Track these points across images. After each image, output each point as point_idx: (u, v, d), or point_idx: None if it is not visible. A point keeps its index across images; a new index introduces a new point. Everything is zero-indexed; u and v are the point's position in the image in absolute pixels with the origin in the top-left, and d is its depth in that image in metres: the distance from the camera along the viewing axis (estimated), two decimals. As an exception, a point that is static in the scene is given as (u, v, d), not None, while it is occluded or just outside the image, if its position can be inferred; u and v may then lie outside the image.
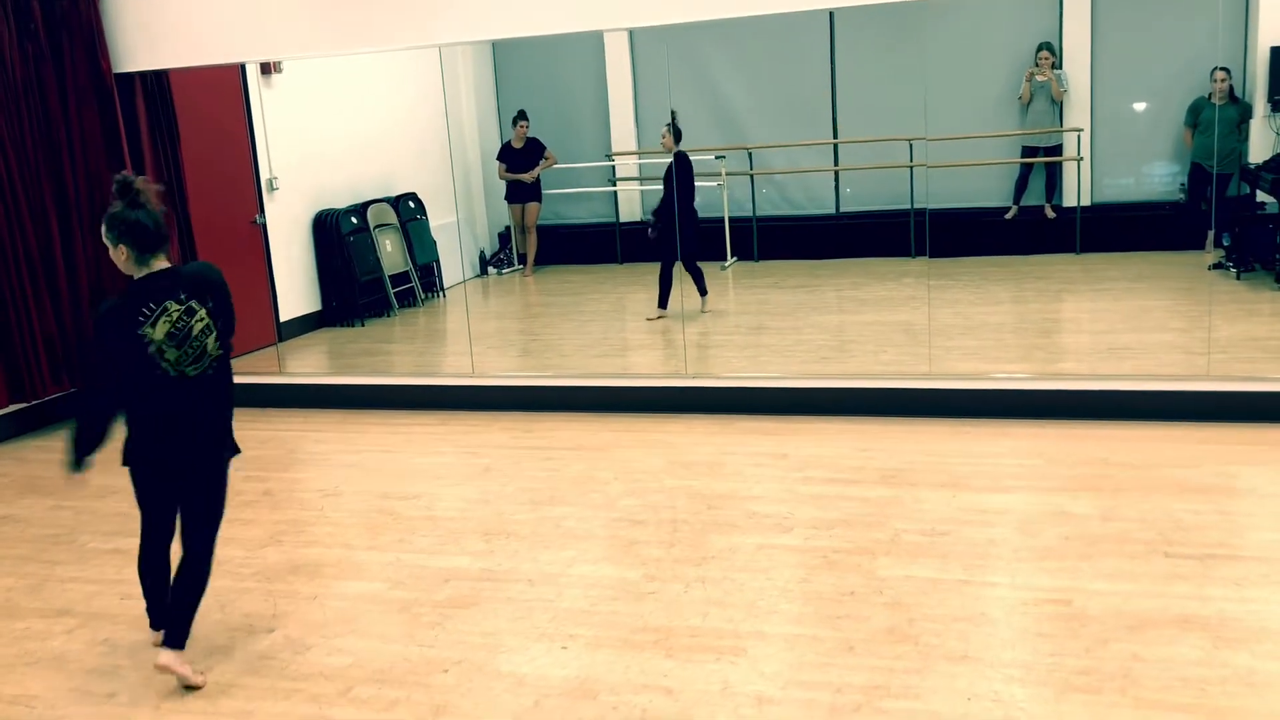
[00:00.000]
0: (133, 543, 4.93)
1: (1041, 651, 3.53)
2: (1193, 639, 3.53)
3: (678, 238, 7.87)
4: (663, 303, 8.27)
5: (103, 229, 3.58)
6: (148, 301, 3.52)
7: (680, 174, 8.07)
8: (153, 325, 3.50)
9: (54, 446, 6.66)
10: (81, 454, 3.70)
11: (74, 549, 4.98)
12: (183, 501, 3.74)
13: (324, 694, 3.57)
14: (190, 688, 3.64)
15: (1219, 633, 3.56)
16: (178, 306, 3.53)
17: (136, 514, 5.29)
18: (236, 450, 3.82)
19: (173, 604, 3.71)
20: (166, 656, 3.62)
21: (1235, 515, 4.58)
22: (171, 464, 3.65)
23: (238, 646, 3.94)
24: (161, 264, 3.57)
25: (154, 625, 3.99)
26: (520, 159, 10.28)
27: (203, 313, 3.57)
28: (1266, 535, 4.35)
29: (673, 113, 8.32)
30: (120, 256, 3.56)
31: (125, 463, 3.69)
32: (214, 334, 3.60)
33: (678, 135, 8.20)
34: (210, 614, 4.20)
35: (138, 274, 3.57)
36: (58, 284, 6.90)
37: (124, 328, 3.51)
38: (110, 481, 5.84)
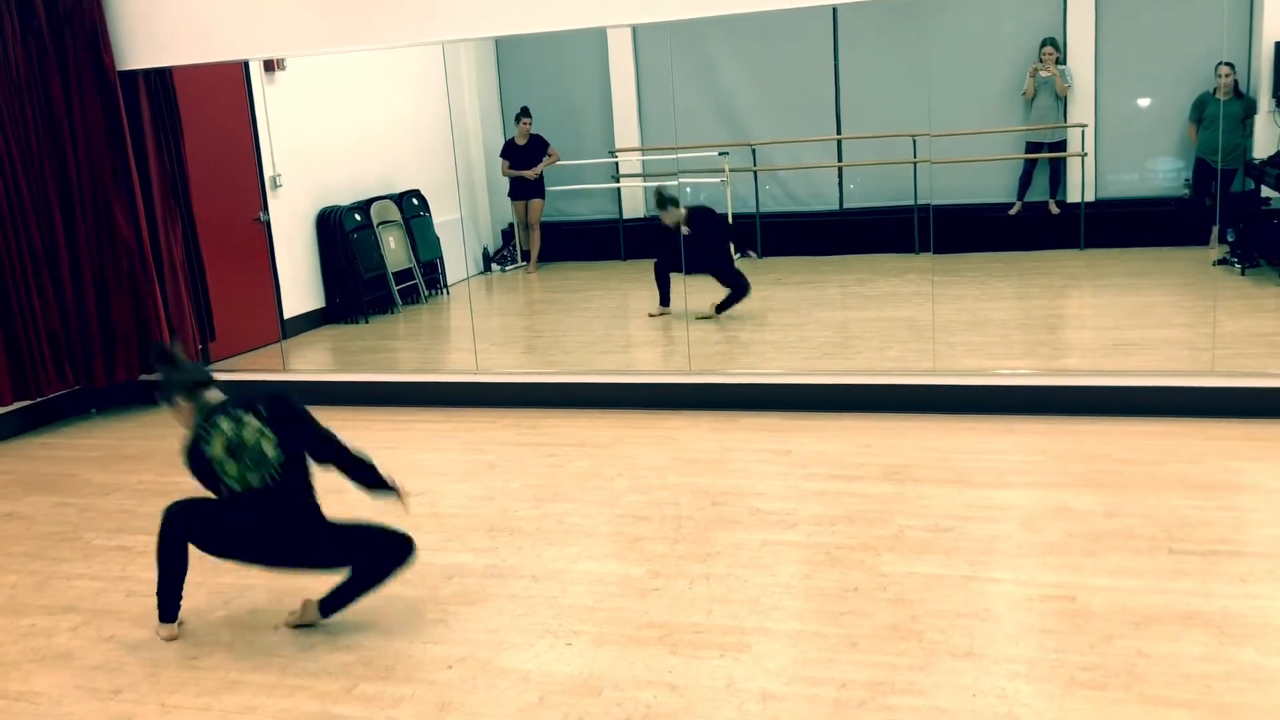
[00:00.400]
0: (137, 539, 4.97)
1: (1046, 647, 3.53)
2: (1197, 635, 3.53)
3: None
4: (665, 300, 8.28)
5: (162, 402, 3.90)
6: (201, 436, 3.75)
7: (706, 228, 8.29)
8: (211, 443, 3.73)
9: (59, 444, 6.68)
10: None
11: (79, 546, 4.99)
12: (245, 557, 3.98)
13: (329, 691, 3.58)
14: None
15: (1223, 629, 3.56)
16: (226, 419, 3.74)
17: (142, 511, 5.34)
18: (389, 489, 4.04)
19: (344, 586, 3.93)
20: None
21: (1239, 511, 4.57)
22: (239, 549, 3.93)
23: (242, 643, 3.94)
24: (215, 396, 3.84)
25: (163, 617, 4.03)
26: (524, 156, 10.28)
27: (250, 416, 3.74)
28: (1271, 531, 4.34)
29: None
30: (182, 414, 3.83)
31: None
32: (272, 440, 3.73)
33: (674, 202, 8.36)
34: (214, 610, 4.21)
35: (199, 418, 3.80)
36: (62, 281, 6.91)
37: (194, 456, 3.77)
38: (113, 479, 5.87)
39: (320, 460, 3.90)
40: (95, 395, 7.25)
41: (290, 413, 3.82)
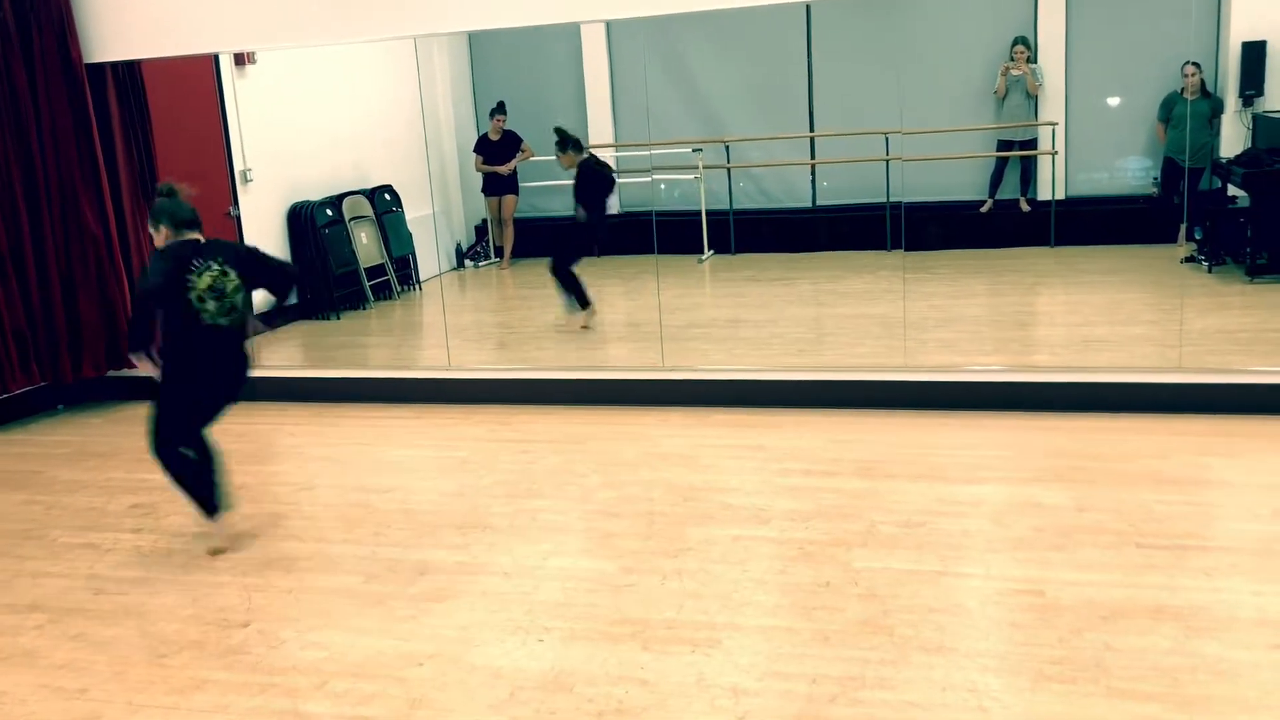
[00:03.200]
0: (105, 536, 4.93)
1: (1015, 641, 3.55)
2: (1164, 629, 3.56)
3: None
4: (583, 301, 8.17)
5: (150, 221, 4.63)
6: (195, 257, 4.44)
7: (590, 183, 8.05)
8: (199, 275, 4.40)
9: (25, 440, 6.60)
10: (135, 347, 4.55)
11: (45, 544, 4.93)
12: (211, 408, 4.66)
13: (299, 688, 3.55)
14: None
15: (1190, 622, 3.59)
16: (218, 267, 4.45)
17: (110, 509, 5.29)
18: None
19: (212, 481, 4.63)
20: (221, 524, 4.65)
21: (1206, 506, 4.62)
22: (205, 390, 4.59)
23: (211, 641, 3.91)
24: (197, 236, 4.55)
25: (217, 510, 4.65)
26: (497, 151, 10.24)
27: (234, 274, 4.49)
28: (1237, 525, 4.39)
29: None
30: (160, 236, 4.53)
31: (162, 377, 4.53)
32: (241, 294, 4.51)
33: (576, 146, 8.07)
34: (184, 608, 4.18)
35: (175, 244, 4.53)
36: (27, 276, 6.82)
37: (178, 266, 4.40)
38: (80, 476, 5.81)
39: (275, 291, 4.90)
40: (62, 391, 7.17)
41: (254, 265, 4.64)
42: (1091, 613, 3.69)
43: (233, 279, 4.48)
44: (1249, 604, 3.71)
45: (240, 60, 8.32)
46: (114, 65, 6.90)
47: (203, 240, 4.56)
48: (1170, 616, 3.64)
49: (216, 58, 7.94)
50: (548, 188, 10.72)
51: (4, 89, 6.68)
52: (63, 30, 6.69)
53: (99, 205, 6.88)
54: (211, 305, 4.43)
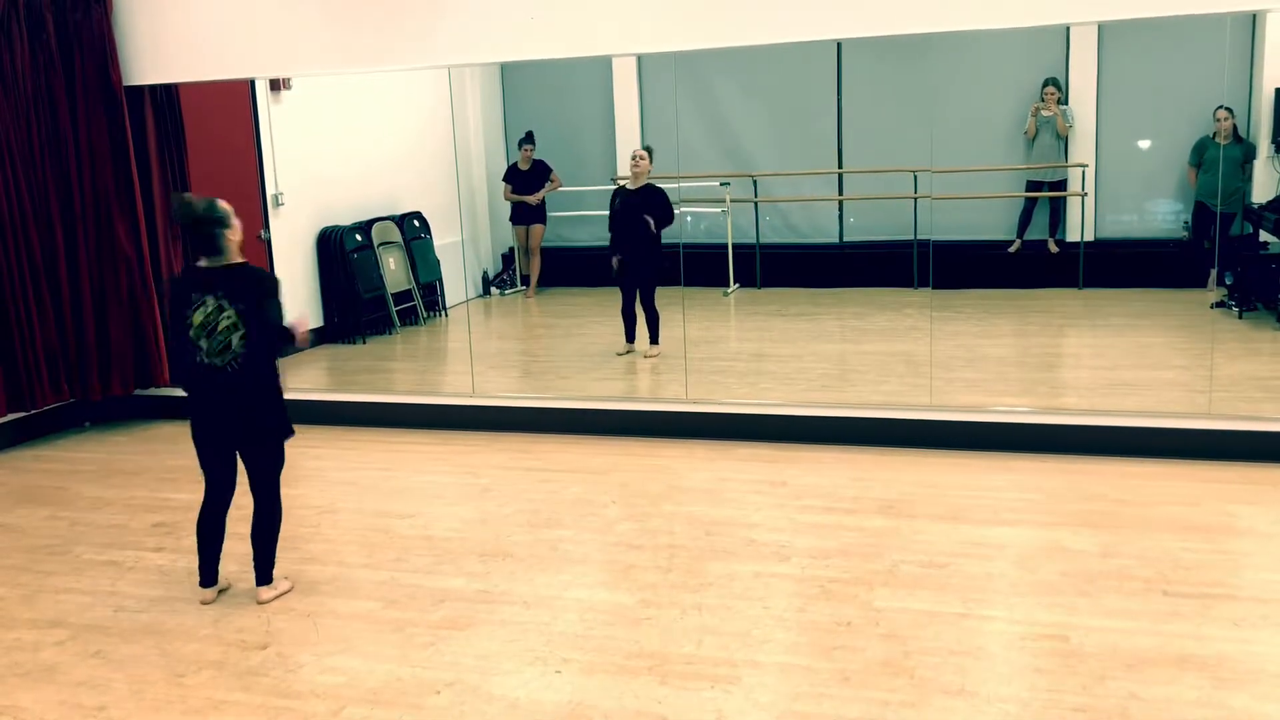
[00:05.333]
0: (127, 554, 4.95)
1: (1038, 687, 3.50)
2: (1191, 679, 3.51)
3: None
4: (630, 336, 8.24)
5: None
6: (192, 290, 4.17)
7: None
8: (192, 311, 4.15)
9: (52, 456, 6.65)
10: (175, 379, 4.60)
11: (68, 560, 4.96)
12: (245, 460, 4.35)
13: (315, 713, 3.54)
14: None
15: (1217, 673, 3.54)
16: (214, 301, 4.13)
17: (133, 526, 5.32)
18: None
19: (255, 548, 4.41)
20: (265, 594, 4.39)
21: (1235, 555, 4.56)
22: (207, 436, 4.31)
23: (230, 662, 3.91)
24: (203, 263, 4.20)
25: (202, 583, 4.46)
26: (526, 181, 10.30)
27: (231, 311, 4.13)
28: (1265, 575, 4.33)
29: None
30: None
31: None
32: (240, 332, 4.14)
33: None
34: (203, 628, 4.18)
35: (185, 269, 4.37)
36: (61, 294, 6.90)
37: (177, 303, 4.21)
38: (105, 494, 5.84)
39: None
40: (90, 409, 7.23)
41: (267, 308, 4.21)
42: (1117, 660, 3.64)
43: (228, 315, 4.13)
44: (1279, 656, 3.64)
45: (275, 86, 8.42)
46: (152, 88, 7.00)
47: (216, 265, 4.19)
48: (1197, 666, 3.58)
49: (252, 83, 8.04)
50: (575, 218, 10.76)
51: (44, 109, 6.78)
52: (103, 53, 6.80)
53: (133, 226, 6.96)
54: (204, 344, 4.15)
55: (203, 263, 4.20)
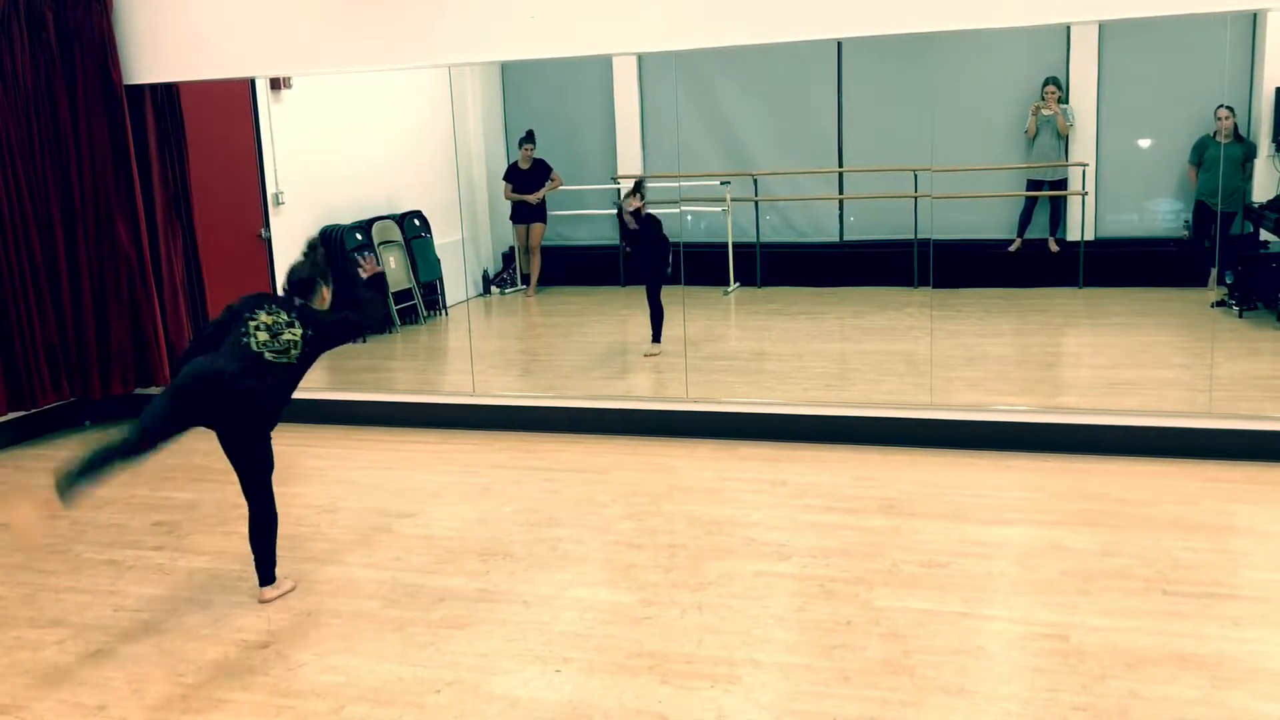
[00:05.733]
0: (127, 553, 4.95)
1: (1039, 686, 3.50)
2: (1191, 678, 3.51)
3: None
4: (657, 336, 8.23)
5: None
6: (268, 303, 4.41)
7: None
8: (262, 314, 4.34)
9: (52, 455, 6.64)
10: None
11: (68, 559, 4.96)
12: (234, 462, 4.35)
13: (315, 712, 3.55)
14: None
15: (1217, 672, 3.54)
16: (286, 316, 4.36)
17: (133, 526, 5.32)
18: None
19: (254, 550, 4.42)
20: (268, 593, 4.41)
21: (1234, 554, 4.56)
22: (203, 406, 4.23)
23: (230, 661, 3.92)
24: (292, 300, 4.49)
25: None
26: (526, 180, 10.30)
27: (298, 330, 4.36)
28: (1265, 575, 4.33)
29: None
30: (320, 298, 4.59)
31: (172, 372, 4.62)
32: (298, 350, 4.33)
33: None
34: (203, 628, 4.18)
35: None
36: (61, 293, 6.90)
37: (241, 307, 4.38)
38: (105, 493, 5.83)
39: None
40: (90, 408, 7.23)
41: (323, 337, 4.45)
42: (1116, 660, 3.64)
43: (294, 331, 4.34)
44: (1279, 655, 3.65)
45: (276, 85, 8.42)
46: (152, 87, 7.00)
47: (295, 300, 4.48)
48: (1197, 666, 3.58)
49: (253, 82, 8.03)
50: (576, 217, 10.76)
51: (45, 108, 6.78)
52: (104, 52, 6.79)
53: (133, 225, 6.96)
54: (261, 335, 4.28)
55: (296, 300, 4.48)
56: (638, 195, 8.06)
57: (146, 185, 7.03)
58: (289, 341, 4.32)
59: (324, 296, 4.57)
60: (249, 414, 4.25)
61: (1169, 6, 5.40)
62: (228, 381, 4.17)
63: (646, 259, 8.13)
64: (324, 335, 4.46)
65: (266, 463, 4.37)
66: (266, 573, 4.45)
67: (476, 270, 10.86)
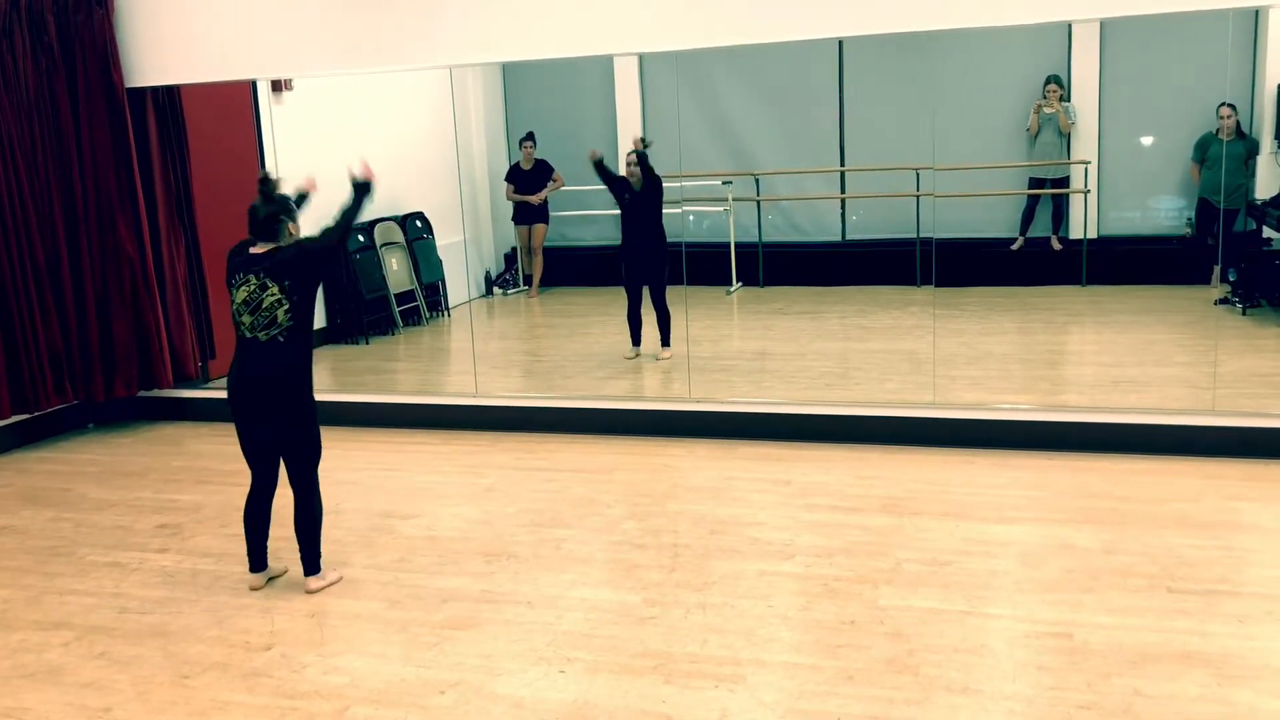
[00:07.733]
0: (131, 555, 4.96)
1: (1043, 685, 3.50)
2: (1195, 675, 3.51)
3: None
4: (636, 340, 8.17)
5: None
6: (239, 270, 4.33)
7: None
8: (236, 289, 4.31)
9: (56, 458, 6.66)
10: None
11: (73, 561, 4.96)
12: (281, 453, 4.41)
13: (320, 713, 3.55)
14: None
15: (1222, 669, 3.53)
16: (256, 280, 4.26)
17: (137, 528, 5.33)
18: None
19: (298, 540, 4.45)
20: (313, 583, 4.44)
21: (1239, 551, 4.55)
22: (245, 424, 4.38)
23: (234, 663, 3.92)
24: (258, 249, 4.33)
25: (252, 569, 4.55)
26: (528, 180, 10.30)
27: (275, 288, 4.25)
28: (1270, 572, 4.33)
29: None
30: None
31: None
32: (285, 307, 4.25)
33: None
34: (207, 629, 4.19)
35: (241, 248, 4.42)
36: (64, 296, 6.91)
37: (230, 274, 4.37)
38: (109, 495, 5.85)
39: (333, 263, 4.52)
40: (94, 410, 7.24)
41: (300, 265, 4.30)
42: (1121, 657, 3.64)
43: (271, 292, 4.25)
44: (1283, 652, 3.65)
45: (277, 87, 8.42)
46: (154, 90, 7.01)
47: (262, 249, 4.33)
48: (1201, 663, 3.58)
49: (254, 84, 8.04)
50: (578, 217, 10.76)
51: (47, 111, 6.79)
52: (105, 55, 6.80)
53: (135, 227, 6.97)
54: (246, 319, 4.29)
55: (257, 249, 4.35)
56: (640, 142, 7.91)
57: (148, 187, 7.04)
58: (272, 303, 4.25)
59: (291, 230, 4.40)
60: (279, 397, 4.31)
61: (1171, 4, 5.40)
62: (248, 382, 4.31)
63: (649, 247, 7.95)
64: (299, 275, 4.28)
65: (314, 451, 4.41)
66: (312, 563, 4.47)
67: (479, 271, 10.86)
